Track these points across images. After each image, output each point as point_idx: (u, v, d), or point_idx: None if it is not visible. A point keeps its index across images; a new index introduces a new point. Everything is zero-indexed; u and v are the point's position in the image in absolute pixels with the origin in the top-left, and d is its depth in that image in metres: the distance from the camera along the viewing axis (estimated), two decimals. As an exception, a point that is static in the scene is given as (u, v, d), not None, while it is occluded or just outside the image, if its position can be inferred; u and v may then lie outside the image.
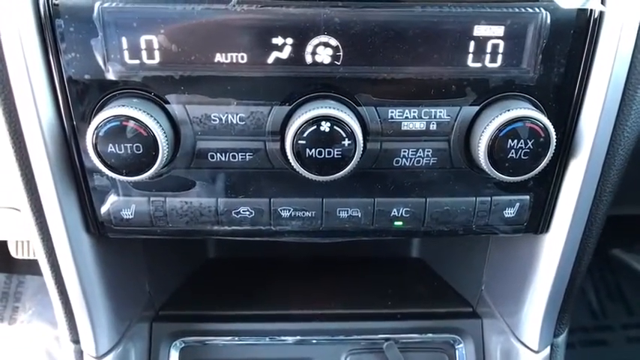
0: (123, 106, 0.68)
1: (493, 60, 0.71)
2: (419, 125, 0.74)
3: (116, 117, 0.67)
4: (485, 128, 0.70)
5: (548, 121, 0.70)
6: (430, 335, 1.13)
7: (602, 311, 1.91)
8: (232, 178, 0.77)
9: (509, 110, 0.70)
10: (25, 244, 1.47)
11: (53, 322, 1.74)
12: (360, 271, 1.31)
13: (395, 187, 0.79)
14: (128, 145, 0.68)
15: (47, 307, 1.80)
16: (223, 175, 0.77)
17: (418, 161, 0.76)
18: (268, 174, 0.77)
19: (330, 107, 0.69)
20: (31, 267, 1.85)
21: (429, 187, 0.79)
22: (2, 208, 0.97)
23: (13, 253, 1.47)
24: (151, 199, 0.78)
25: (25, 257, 1.48)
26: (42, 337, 1.78)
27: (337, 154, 0.69)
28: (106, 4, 0.67)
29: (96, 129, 0.68)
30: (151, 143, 0.68)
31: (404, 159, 0.76)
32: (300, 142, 0.69)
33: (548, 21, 0.69)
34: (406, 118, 0.73)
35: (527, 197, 0.81)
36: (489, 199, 0.80)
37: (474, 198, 0.80)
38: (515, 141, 0.70)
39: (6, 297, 1.89)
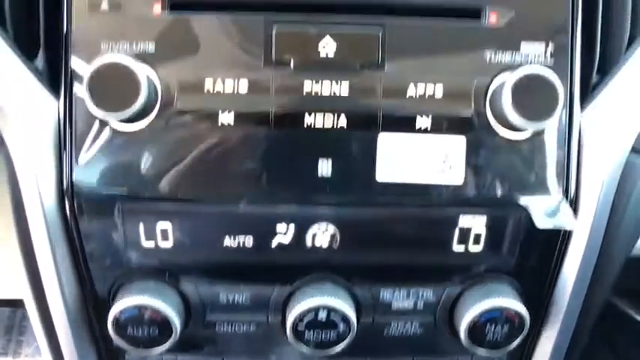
0: (141, 293, 0.75)
1: (475, 247, 0.78)
2: (407, 304, 0.81)
3: (136, 307, 0.75)
4: (465, 313, 0.78)
5: (523, 307, 0.77)
6: None
7: None
8: (237, 341, 0.84)
9: (488, 298, 0.78)
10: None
11: None
12: None
13: (384, 349, 0.86)
14: (145, 327, 0.76)
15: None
16: (229, 340, 0.84)
17: (406, 331, 0.83)
18: (271, 340, 0.84)
19: (327, 295, 0.76)
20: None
21: (415, 349, 0.87)
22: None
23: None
24: (164, 357, 0.86)
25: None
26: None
27: (333, 337, 0.77)
28: (124, 196, 0.74)
29: (116, 316, 0.75)
30: (166, 325, 0.76)
31: (393, 330, 0.83)
32: (299, 329, 0.76)
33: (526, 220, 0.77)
34: (396, 298, 0.81)
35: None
36: (470, 357, 0.88)
37: (457, 358, 0.88)
38: (493, 326, 0.78)
39: (10, 330, 1.95)
